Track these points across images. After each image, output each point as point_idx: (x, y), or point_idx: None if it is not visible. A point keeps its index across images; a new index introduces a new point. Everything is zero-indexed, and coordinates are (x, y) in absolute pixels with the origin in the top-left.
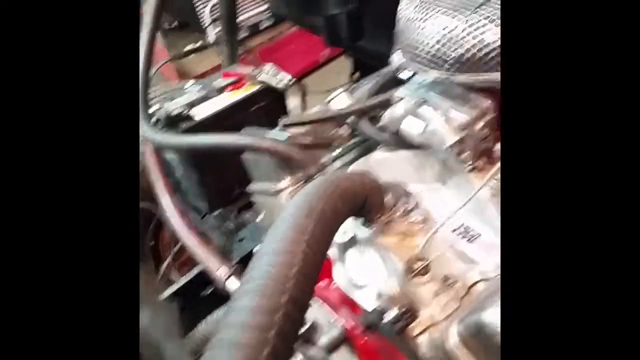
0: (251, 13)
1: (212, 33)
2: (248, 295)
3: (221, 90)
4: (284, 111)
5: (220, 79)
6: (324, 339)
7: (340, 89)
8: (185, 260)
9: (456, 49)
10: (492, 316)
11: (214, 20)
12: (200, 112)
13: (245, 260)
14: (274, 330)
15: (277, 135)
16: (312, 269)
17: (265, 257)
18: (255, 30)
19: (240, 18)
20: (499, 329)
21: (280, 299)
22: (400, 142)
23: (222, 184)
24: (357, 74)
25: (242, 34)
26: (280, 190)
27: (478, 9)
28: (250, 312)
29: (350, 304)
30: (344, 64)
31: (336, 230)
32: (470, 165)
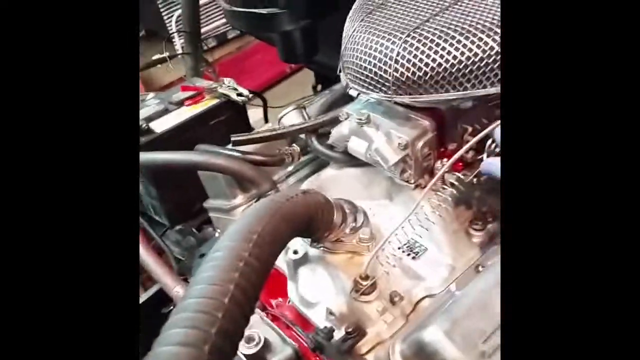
0: (218, 23)
1: (179, 43)
2: (177, 326)
3: (180, 103)
4: (245, 124)
5: (180, 93)
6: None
7: (291, 106)
8: (150, 275)
9: (393, 71)
10: (433, 334)
11: (180, 31)
12: (160, 126)
13: None
14: None
15: (229, 153)
16: (246, 295)
17: (198, 286)
18: (222, 40)
19: (207, 28)
20: (439, 347)
21: (210, 329)
22: (350, 159)
23: (182, 198)
24: (319, 86)
25: (210, 44)
26: (234, 207)
27: (414, 31)
28: (177, 344)
29: (304, 322)
30: (310, 75)
31: (278, 252)
32: (414, 183)
